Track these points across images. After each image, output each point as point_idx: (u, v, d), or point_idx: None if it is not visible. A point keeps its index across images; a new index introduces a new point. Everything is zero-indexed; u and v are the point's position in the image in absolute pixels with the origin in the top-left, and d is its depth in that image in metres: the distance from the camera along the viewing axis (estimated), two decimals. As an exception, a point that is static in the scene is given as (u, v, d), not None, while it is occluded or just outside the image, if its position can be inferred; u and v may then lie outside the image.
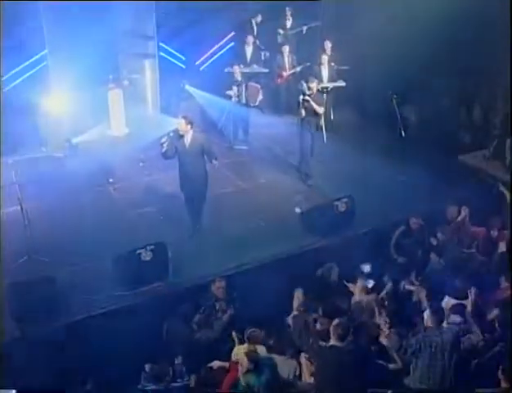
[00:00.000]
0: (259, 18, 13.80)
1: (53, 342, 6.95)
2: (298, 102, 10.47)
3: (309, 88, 10.38)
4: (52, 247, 8.53)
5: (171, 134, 8.66)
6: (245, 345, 6.80)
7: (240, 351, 6.78)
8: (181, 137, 8.60)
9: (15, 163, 9.61)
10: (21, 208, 8.49)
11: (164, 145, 8.53)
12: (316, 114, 10.57)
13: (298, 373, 6.65)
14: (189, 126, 8.57)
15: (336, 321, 6.24)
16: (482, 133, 12.27)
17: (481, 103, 12.51)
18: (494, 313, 7.36)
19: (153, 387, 6.55)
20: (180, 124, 8.58)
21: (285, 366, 6.67)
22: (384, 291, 7.86)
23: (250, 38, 13.10)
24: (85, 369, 6.81)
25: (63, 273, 8.00)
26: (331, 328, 6.17)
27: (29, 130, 11.80)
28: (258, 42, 13.46)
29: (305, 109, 10.36)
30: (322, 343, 6.31)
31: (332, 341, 6.14)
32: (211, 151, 8.82)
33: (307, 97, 10.32)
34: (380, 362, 6.45)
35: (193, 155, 8.66)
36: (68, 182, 10.30)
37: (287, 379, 6.59)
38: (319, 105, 10.46)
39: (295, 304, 7.38)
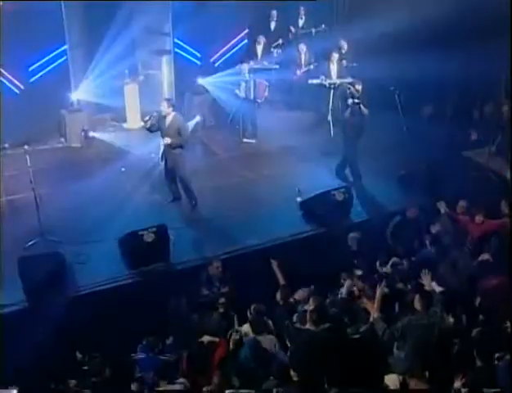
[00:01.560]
0: (274, 16, 14.12)
1: (59, 313, 7.43)
2: (346, 105, 10.70)
3: (357, 91, 10.59)
4: (63, 229, 9.09)
5: (154, 114, 9.76)
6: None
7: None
8: (164, 117, 9.57)
9: (35, 152, 10.13)
10: (34, 192, 9.03)
11: (148, 122, 9.65)
12: (361, 115, 10.68)
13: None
14: (170, 108, 9.58)
15: (311, 307, 6.68)
16: (489, 130, 12.50)
17: (492, 100, 12.76)
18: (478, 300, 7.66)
19: (142, 356, 6.95)
20: (163, 105, 9.60)
21: (266, 341, 7.02)
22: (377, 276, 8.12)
23: (261, 37, 13.53)
24: (86, 339, 7.29)
25: (72, 251, 8.52)
26: (307, 313, 6.62)
27: (50, 122, 12.49)
28: (271, 39, 13.84)
29: (351, 112, 10.59)
30: (299, 325, 6.75)
31: (308, 325, 6.56)
32: (183, 132, 9.69)
33: (356, 100, 10.52)
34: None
35: (171, 133, 9.52)
36: (82, 170, 10.90)
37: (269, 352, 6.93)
38: (366, 107, 10.63)
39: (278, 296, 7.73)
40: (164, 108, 9.59)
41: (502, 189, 10.08)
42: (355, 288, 7.48)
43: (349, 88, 10.85)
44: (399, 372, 6.26)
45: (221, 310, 7.83)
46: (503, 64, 11.35)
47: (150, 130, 9.85)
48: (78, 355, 7.04)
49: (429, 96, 13.39)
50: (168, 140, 9.54)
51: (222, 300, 7.92)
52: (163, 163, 9.92)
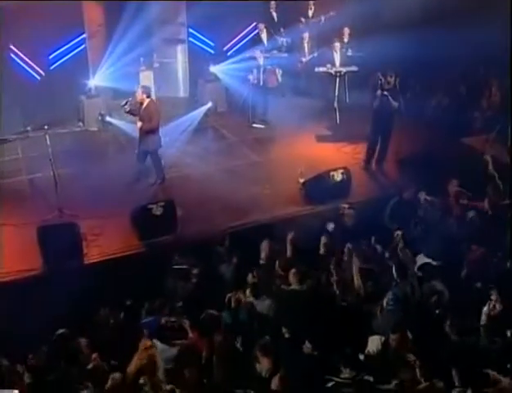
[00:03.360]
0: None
1: (73, 278, 8.06)
2: (375, 96, 10.82)
3: (388, 83, 10.71)
4: (79, 204, 9.74)
5: (130, 99, 10.47)
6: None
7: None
8: (140, 103, 10.25)
9: (54, 135, 10.74)
10: (53, 170, 9.71)
11: (127, 106, 10.31)
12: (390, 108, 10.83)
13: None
14: (144, 95, 10.23)
15: (293, 270, 7.41)
16: (492, 118, 12.89)
17: (497, 89, 13.14)
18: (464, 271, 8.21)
19: (149, 319, 7.54)
20: (138, 92, 10.30)
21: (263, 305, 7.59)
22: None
23: (262, 26, 14.00)
24: (96, 303, 7.93)
25: (87, 224, 9.19)
26: (290, 275, 7.30)
27: (69, 107, 13.19)
28: (280, 29, 14.36)
29: (380, 104, 10.81)
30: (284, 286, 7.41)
31: (292, 286, 7.22)
32: (154, 118, 10.30)
33: (385, 92, 10.74)
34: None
35: (144, 118, 10.20)
36: (98, 152, 11.59)
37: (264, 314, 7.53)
38: (395, 100, 10.79)
39: (262, 254, 8.36)
40: (139, 95, 10.22)
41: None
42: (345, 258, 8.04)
43: (381, 80, 10.94)
44: (382, 334, 6.88)
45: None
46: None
47: (131, 113, 10.51)
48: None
49: (431, 82, 13.80)
50: (139, 124, 10.23)
51: (224, 268, 8.52)
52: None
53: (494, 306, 6.92)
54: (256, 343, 6.54)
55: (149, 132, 10.30)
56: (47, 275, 8.40)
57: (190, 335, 7.07)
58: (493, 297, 6.95)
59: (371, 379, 6.04)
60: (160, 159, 10.71)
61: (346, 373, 6.06)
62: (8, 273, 8.36)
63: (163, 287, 8.26)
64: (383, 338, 6.77)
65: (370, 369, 6.21)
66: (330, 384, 6.07)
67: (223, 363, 6.57)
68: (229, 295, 7.59)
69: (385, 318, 7.12)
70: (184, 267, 8.30)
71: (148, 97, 10.31)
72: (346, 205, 9.50)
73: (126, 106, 10.34)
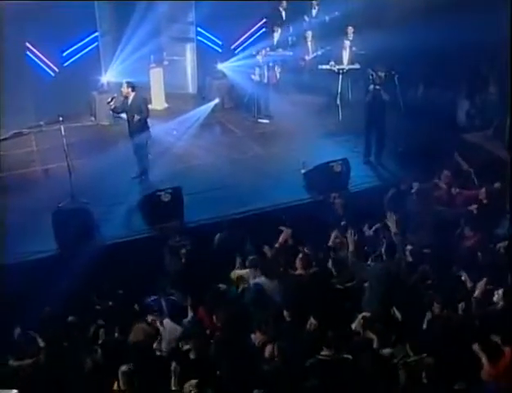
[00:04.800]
0: (284, 5, 15.13)
1: (84, 260, 8.60)
2: (368, 91, 11.41)
3: (379, 78, 11.33)
4: (92, 192, 10.33)
5: (115, 95, 11.03)
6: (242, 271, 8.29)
7: (234, 275, 8.27)
8: (126, 98, 10.70)
9: (67, 129, 11.27)
10: (67, 160, 10.26)
11: (111, 103, 10.82)
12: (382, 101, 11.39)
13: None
14: (130, 89, 10.67)
15: (300, 255, 7.97)
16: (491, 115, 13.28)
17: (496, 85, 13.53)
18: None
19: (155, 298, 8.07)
20: (123, 87, 10.75)
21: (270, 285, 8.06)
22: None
23: (277, 26, 14.60)
24: (109, 282, 8.48)
25: (99, 210, 9.73)
26: (297, 260, 7.84)
27: (81, 102, 13.75)
28: (286, 28, 14.89)
29: (373, 98, 11.38)
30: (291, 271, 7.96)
31: (298, 271, 7.78)
32: (144, 108, 10.80)
33: (378, 87, 11.32)
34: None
35: (134, 111, 10.65)
36: (110, 144, 12.12)
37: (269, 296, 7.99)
38: (387, 94, 11.44)
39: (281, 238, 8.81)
40: (124, 89, 10.70)
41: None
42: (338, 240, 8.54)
43: (372, 75, 11.52)
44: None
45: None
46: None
47: (115, 112, 11.09)
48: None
49: (430, 77, 14.21)
50: (124, 115, 10.83)
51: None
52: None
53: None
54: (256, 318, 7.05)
55: (139, 124, 10.70)
56: (62, 256, 8.92)
57: (190, 313, 7.55)
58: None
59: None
60: (147, 153, 11.06)
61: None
62: (25, 253, 8.97)
63: (169, 268, 8.76)
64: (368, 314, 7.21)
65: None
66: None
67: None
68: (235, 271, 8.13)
69: (372, 296, 7.57)
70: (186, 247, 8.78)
71: (133, 90, 10.71)
72: (336, 194, 9.99)
73: (111, 103, 10.83)
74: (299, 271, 7.99)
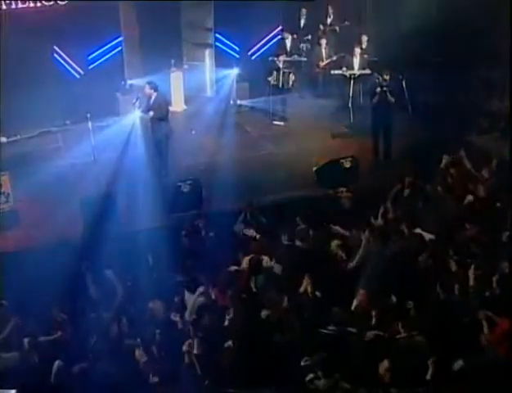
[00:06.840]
0: (304, 14, 15.83)
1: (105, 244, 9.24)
2: (374, 92, 12.04)
3: (385, 80, 12.00)
4: (116, 183, 10.98)
5: (139, 95, 11.88)
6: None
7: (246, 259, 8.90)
8: (149, 98, 11.52)
9: (95, 128, 12.31)
10: (93, 153, 11.10)
11: (136, 104, 11.65)
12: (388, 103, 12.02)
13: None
14: (152, 90, 11.49)
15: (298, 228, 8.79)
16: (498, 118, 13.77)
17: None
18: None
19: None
20: (146, 88, 11.59)
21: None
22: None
23: (289, 33, 15.26)
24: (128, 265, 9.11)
25: (122, 199, 10.43)
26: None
27: (106, 102, 14.45)
28: (301, 35, 15.57)
29: (379, 100, 12.02)
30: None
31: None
32: (164, 106, 11.67)
33: (384, 88, 11.98)
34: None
35: (155, 109, 11.48)
36: (133, 141, 12.76)
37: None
38: (392, 96, 12.06)
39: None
40: (147, 90, 11.51)
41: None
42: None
43: (378, 78, 12.24)
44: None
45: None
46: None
47: (141, 111, 11.67)
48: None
49: (440, 82, 14.72)
50: (151, 113, 11.45)
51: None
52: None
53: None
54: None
55: (160, 119, 11.49)
56: (88, 240, 9.61)
57: (201, 288, 8.15)
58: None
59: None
60: (168, 152, 11.78)
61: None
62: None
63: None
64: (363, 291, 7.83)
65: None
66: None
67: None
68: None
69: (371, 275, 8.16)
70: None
71: (155, 91, 11.51)
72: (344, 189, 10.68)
73: (137, 104, 11.69)
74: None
